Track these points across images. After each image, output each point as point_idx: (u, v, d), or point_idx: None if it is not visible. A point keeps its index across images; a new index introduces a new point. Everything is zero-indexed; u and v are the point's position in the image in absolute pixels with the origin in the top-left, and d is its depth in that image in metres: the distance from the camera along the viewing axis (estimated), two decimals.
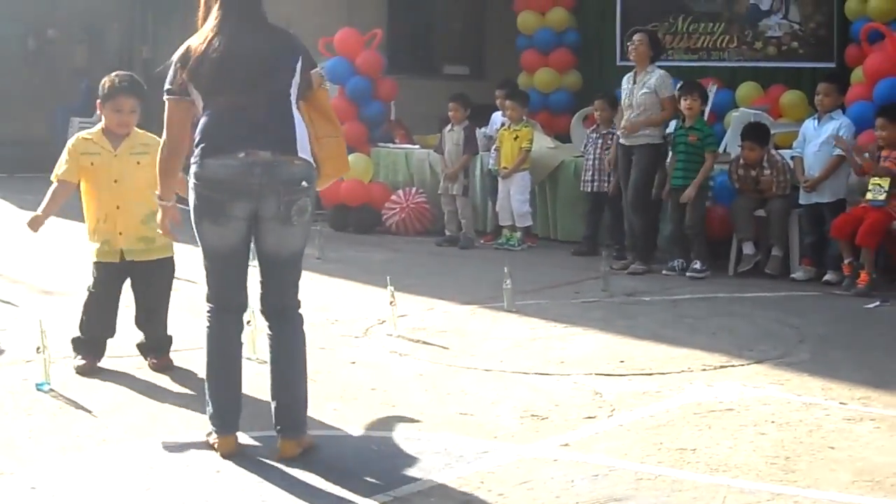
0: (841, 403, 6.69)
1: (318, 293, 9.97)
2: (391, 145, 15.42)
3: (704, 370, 7.47)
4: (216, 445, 5.73)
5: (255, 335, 7.60)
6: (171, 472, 5.45)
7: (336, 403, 6.62)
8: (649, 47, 11.57)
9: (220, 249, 5.65)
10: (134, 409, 6.46)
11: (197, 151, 5.57)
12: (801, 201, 11.09)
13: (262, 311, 5.80)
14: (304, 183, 5.59)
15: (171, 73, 5.72)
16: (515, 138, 13.10)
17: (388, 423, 6.25)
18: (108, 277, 7.31)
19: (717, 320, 9.13)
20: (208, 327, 5.75)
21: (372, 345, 8.19)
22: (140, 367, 7.37)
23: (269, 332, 5.78)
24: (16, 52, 22.77)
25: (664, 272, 11.39)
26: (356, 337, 8.40)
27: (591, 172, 12.69)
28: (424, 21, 19.66)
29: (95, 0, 23.84)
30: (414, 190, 14.37)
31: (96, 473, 5.43)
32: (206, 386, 5.78)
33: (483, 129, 14.00)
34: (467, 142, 13.32)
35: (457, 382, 7.15)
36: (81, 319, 7.35)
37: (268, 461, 5.58)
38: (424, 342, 8.25)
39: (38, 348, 6.75)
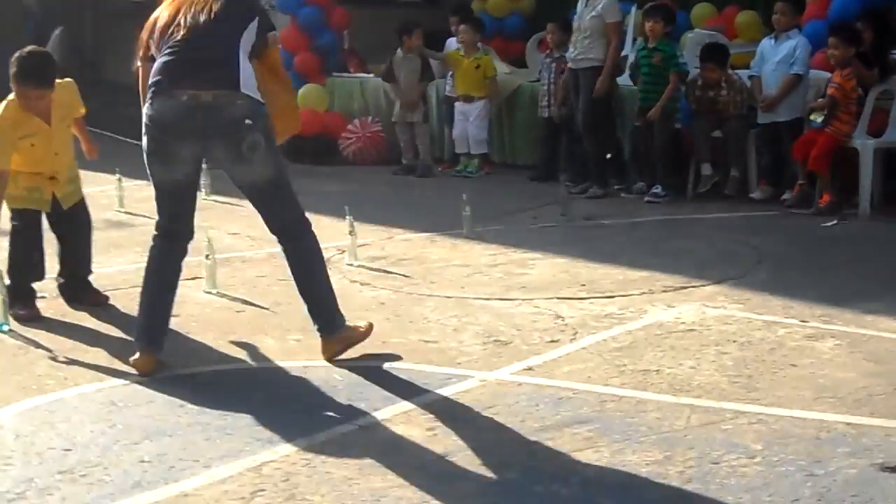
0: (801, 321, 6.72)
1: None
2: (345, 74, 15.30)
3: (665, 292, 7.49)
4: (134, 361, 5.94)
5: (215, 269, 7.58)
6: (134, 408, 5.43)
7: (298, 335, 6.60)
8: None
9: (167, 185, 5.93)
10: (94, 349, 6.41)
11: (149, 93, 5.79)
12: (758, 121, 11.09)
13: (271, 232, 6.20)
14: (247, 121, 5.71)
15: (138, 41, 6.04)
16: (477, 67, 13.04)
17: (351, 351, 6.23)
18: (32, 223, 7.21)
19: (676, 242, 9.14)
20: (152, 250, 6.04)
21: (332, 275, 8.13)
22: (97, 306, 7.31)
23: (282, 249, 6.19)
24: None
25: (623, 195, 11.40)
26: None
27: (547, 98, 12.63)
28: None
29: None
30: (370, 119, 14.29)
31: (60, 413, 5.39)
32: (139, 305, 6.05)
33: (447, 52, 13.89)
34: (423, 69, 13.26)
35: (418, 310, 7.15)
36: (11, 268, 7.22)
37: (233, 395, 5.56)
38: (385, 271, 8.24)
39: None
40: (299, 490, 4.41)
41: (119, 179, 10.97)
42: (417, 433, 5.03)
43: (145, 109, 5.78)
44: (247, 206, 10.34)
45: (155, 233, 6.05)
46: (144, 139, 5.83)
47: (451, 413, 5.25)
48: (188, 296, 7.46)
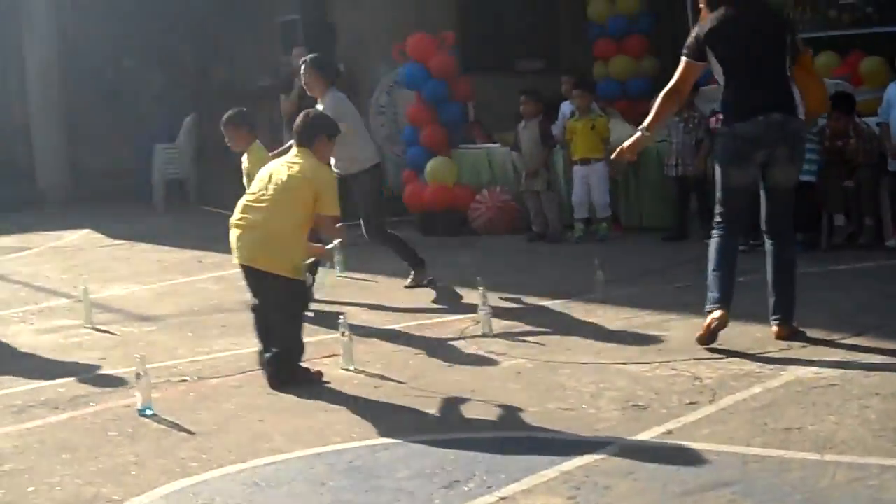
0: None
1: (410, 298, 9.99)
2: (472, 146, 15.39)
3: (804, 346, 7.39)
4: (712, 322, 7.56)
5: (351, 346, 7.63)
6: (276, 488, 5.48)
7: (435, 408, 6.61)
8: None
9: (738, 185, 7.61)
10: (235, 429, 6.49)
11: (728, 114, 7.64)
12: (889, 168, 10.94)
13: (765, 231, 7.79)
14: (801, 134, 7.70)
15: (690, 39, 7.78)
16: (592, 128, 13.05)
17: (490, 422, 6.23)
18: None
19: (813, 294, 8.99)
20: (718, 235, 7.71)
21: (468, 346, 8.17)
22: (239, 386, 7.42)
23: (769, 247, 7.76)
24: (95, 85, 23.02)
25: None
26: (451, 339, 8.39)
27: (675, 157, 12.59)
28: (495, 17, 19.50)
29: (167, 25, 24.08)
30: (498, 189, 14.33)
31: (203, 495, 5.46)
32: (712, 279, 7.69)
33: (558, 122, 13.94)
34: (544, 136, 13.27)
35: (555, 377, 7.13)
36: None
37: (374, 471, 5.58)
38: (520, 339, 8.23)
39: (137, 374, 6.82)
40: None
41: None
42: (559, 502, 5.00)
43: (725, 126, 7.71)
44: (381, 281, 10.43)
45: (718, 221, 7.69)
46: (722, 148, 7.75)
47: (592, 480, 5.22)
48: (325, 373, 7.53)
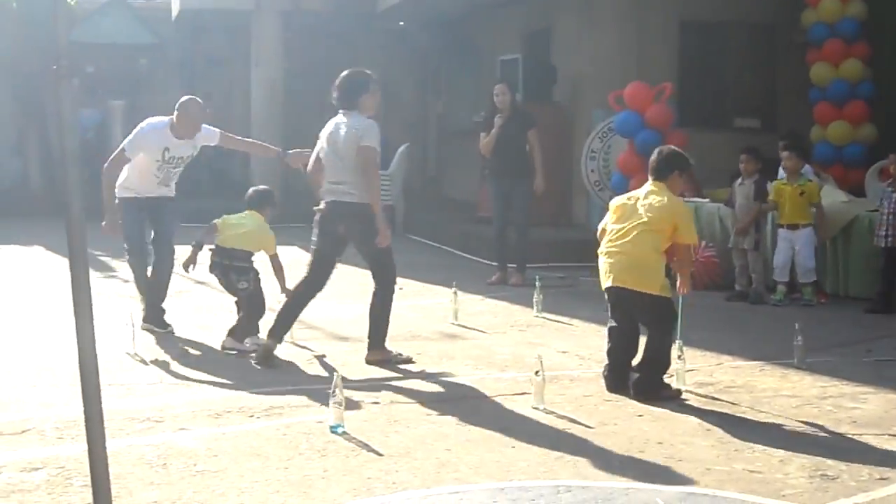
0: None
1: (604, 345, 10.01)
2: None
3: None
4: None
5: (543, 386, 7.68)
6: None
7: (622, 456, 6.62)
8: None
9: None
10: (422, 455, 6.59)
11: None
12: None
13: None
14: None
15: None
16: (801, 193, 12.88)
17: (674, 476, 6.22)
18: None
19: None
20: None
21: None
22: (429, 414, 7.53)
23: None
24: (312, 108, 23.58)
25: None
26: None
27: (885, 227, 12.35)
28: (715, 74, 19.43)
29: (390, 57, 24.54)
30: (703, 244, 14.21)
31: None
32: None
33: (772, 183, 13.80)
34: (758, 195, 13.16)
35: (744, 438, 7.06)
36: None
37: None
38: (712, 397, 8.18)
39: (332, 392, 6.98)
40: None
41: (455, 293, 11.24)
42: None
43: None
44: (577, 324, 10.54)
45: None
46: None
47: None
48: (516, 410, 7.60)
